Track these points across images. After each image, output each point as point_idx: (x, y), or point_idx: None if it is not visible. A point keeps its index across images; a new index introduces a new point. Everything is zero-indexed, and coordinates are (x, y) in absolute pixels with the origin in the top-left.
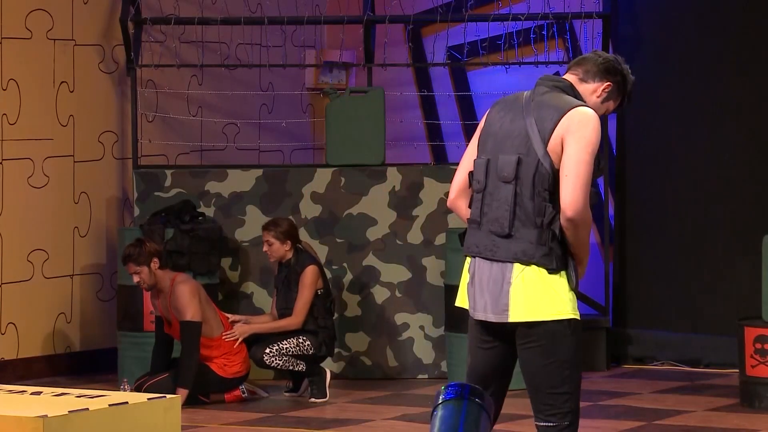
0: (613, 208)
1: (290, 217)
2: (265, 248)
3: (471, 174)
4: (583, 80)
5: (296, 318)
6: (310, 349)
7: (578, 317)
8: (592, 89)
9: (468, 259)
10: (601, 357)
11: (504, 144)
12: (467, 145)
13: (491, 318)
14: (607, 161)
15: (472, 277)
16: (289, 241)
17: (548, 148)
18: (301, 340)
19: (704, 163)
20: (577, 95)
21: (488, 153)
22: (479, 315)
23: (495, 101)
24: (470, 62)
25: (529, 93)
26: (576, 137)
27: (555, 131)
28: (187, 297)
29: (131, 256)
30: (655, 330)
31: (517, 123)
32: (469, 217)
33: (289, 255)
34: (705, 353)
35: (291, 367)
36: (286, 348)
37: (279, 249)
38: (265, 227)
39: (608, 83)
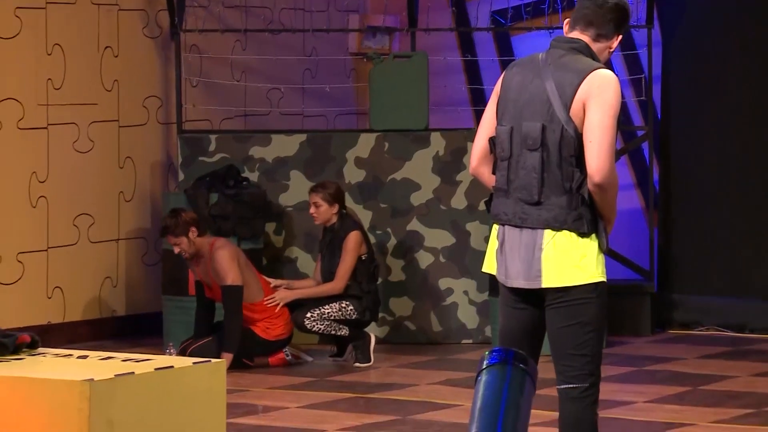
0: (657, 172)
1: (338, 182)
2: (312, 210)
3: (492, 141)
4: (596, 40)
5: (338, 283)
6: (353, 313)
7: (605, 280)
8: (606, 46)
9: (495, 226)
10: (645, 322)
11: (526, 111)
12: None
13: (523, 285)
14: (652, 126)
15: (501, 245)
16: (336, 204)
17: (570, 114)
18: (343, 305)
19: (751, 125)
20: (593, 55)
21: (510, 120)
22: (511, 282)
23: (510, 64)
24: (514, 27)
25: (544, 55)
26: (598, 102)
27: (576, 96)
28: (227, 261)
29: (168, 228)
30: (699, 295)
31: (537, 88)
32: (494, 184)
33: (335, 219)
34: (750, 318)
35: (333, 332)
36: (328, 312)
37: (326, 212)
38: (313, 189)
39: (620, 35)
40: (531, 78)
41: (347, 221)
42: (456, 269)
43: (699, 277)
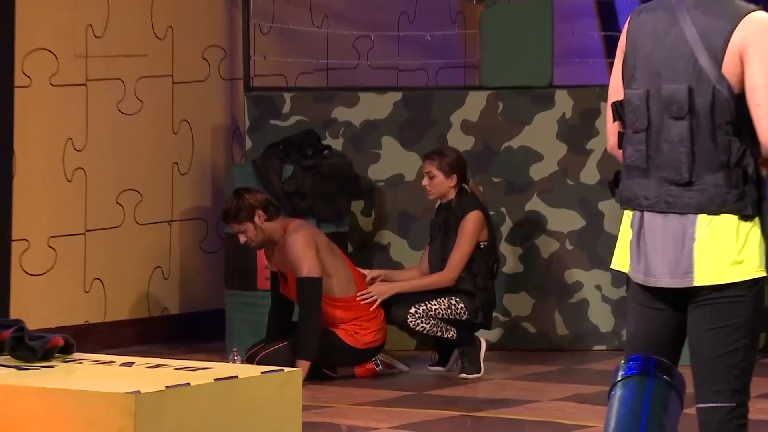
0: None
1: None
2: (425, 182)
3: (616, 107)
4: None
5: (449, 273)
6: (464, 313)
7: (765, 274)
8: None
9: (627, 213)
10: None
11: (664, 69)
12: None
13: (669, 283)
14: None
15: (638, 235)
16: (454, 176)
17: (723, 71)
18: (453, 302)
19: None
20: None
21: (644, 82)
22: (654, 281)
23: (635, 9)
24: None
25: None
26: (758, 53)
27: (728, 48)
28: (301, 248)
29: (229, 212)
30: None
31: (674, 40)
32: (627, 161)
33: (452, 194)
34: None
35: (439, 333)
36: (436, 309)
37: (442, 184)
38: (428, 156)
39: None
40: (666, 26)
41: (467, 199)
42: (586, 258)
43: None
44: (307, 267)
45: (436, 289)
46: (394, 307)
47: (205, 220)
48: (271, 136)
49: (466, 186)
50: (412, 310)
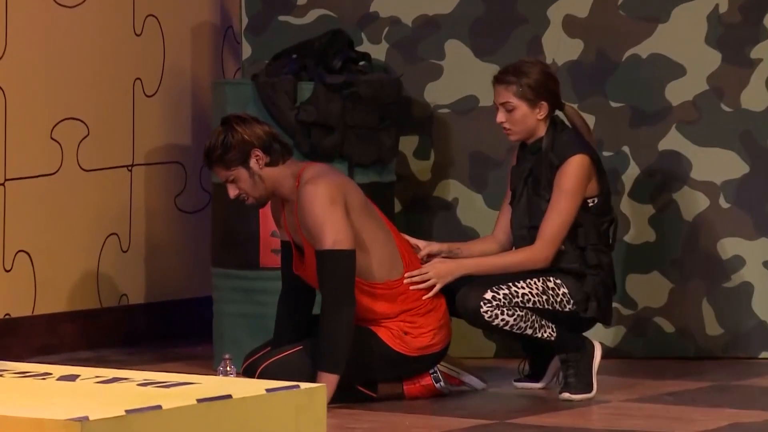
0: None
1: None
2: (500, 118)
3: None
4: None
5: (544, 249)
6: (567, 303)
7: None
8: None
9: None
10: None
11: None
12: None
13: None
14: None
15: None
16: (544, 103)
17: None
18: (551, 285)
19: None
20: None
21: None
22: None
23: None
24: None
25: None
26: None
27: None
28: (323, 206)
29: (213, 152)
30: None
31: None
32: None
33: (542, 130)
34: None
35: (530, 331)
36: (524, 296)
37: (527, 118)
38: (500, 79)
39: None
40: None
41: (566, 135)
42: (750, 222)
43: None
44: (333, 235)
45: (527, 270)
46: (463, 291)
47: (182, 164)
48: (281, 40)
49: (561, 115)
50: (489, 296)
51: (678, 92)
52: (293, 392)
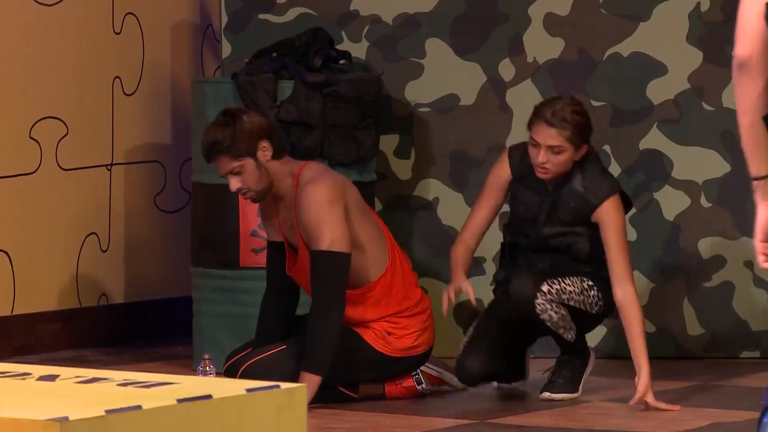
0: None
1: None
2: (542, 158)
3: None
4: None
5: (629, 287)
6: (595, 304)
7: None
8: None
9: None
10: None
11: None
12: None
13: None
14: None
15: None
16: (585, 146)
17: None
18: (586, 286)
19: None
20: None
21: None
22: None
23: None
24: None
25: None
26: None
27: None
28: (324, 207)
29: (221, 143)
30: None
31: None
32: None
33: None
34: None
35: (560, 331)
36: (570, 292)
37: (569, 161)
38: (550, 121)
39: None
40: None
41: (593, 168)
42: (729, 220)
43: None
44: (330, 236)
45: (569, 263)
46: (521, 279)
47: (161, 163)
48: (261, 38)
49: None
50: (545, 288)
51: (659, 91)
52: (273, 392)
